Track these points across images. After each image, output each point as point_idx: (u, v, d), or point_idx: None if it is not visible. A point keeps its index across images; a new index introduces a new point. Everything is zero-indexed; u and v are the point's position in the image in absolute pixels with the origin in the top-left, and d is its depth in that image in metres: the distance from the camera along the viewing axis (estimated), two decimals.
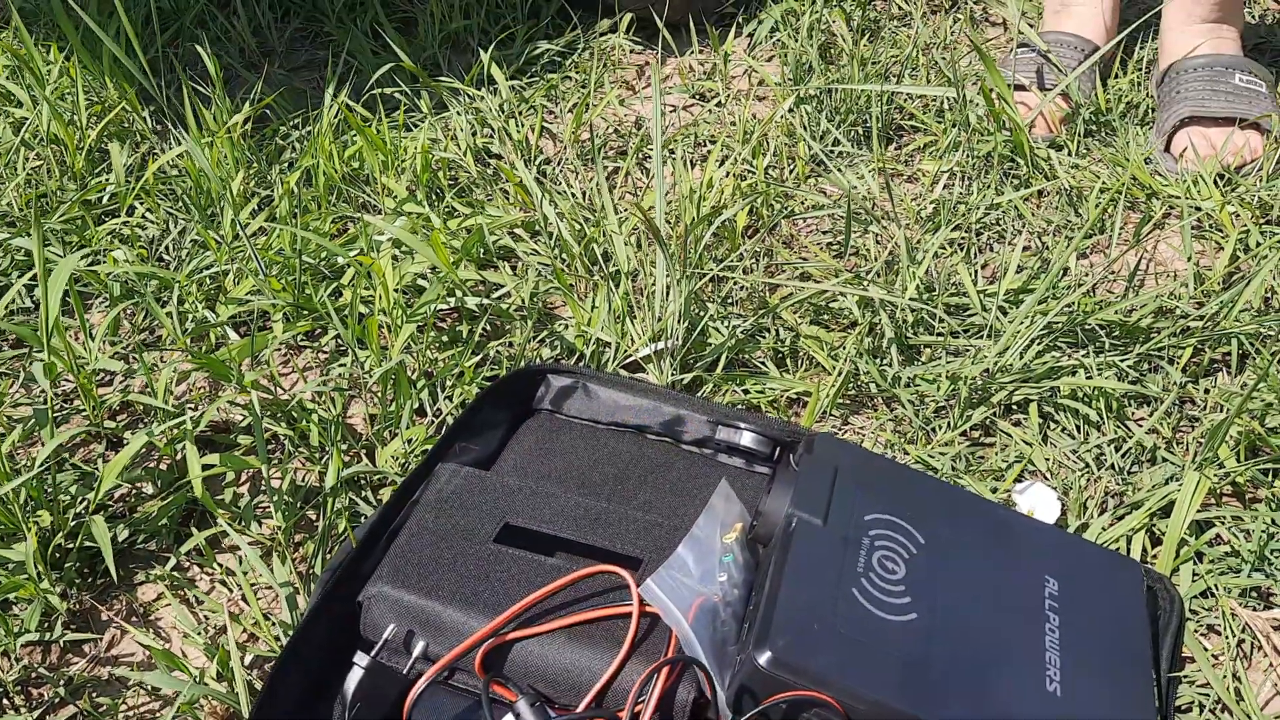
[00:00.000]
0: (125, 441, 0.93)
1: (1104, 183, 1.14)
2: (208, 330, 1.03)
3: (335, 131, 1.25)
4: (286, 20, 1.55)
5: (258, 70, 1.45)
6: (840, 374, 0.95)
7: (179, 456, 0.91)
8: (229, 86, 1.41)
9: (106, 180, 1.20)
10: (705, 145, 1.28)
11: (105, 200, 1.20)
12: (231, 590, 0.83)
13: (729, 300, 1.06)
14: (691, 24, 1.45)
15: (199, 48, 1.26)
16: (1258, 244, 1.04)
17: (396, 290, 0.99)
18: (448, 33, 1.48)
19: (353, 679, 0.66)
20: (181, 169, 1.21)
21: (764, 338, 1.02)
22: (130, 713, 0.76)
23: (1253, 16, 1.44)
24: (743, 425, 0.82)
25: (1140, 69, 1.33)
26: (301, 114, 1.33)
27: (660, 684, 0.64)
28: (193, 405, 0.97)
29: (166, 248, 1.14)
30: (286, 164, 1.24)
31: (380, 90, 1.34)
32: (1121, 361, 0.95)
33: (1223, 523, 0.82)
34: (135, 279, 1.06)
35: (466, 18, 1.49)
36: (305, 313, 1.02)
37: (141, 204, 1.18)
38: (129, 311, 1.07)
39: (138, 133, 1.28)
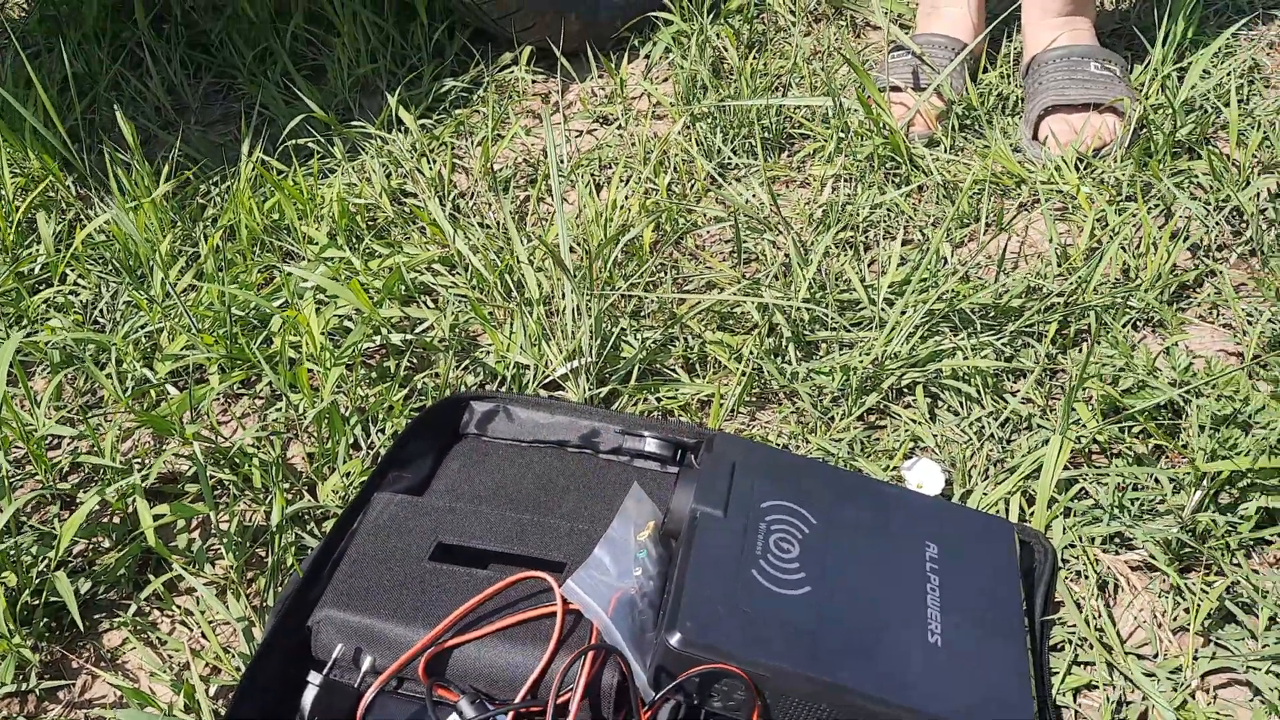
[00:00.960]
0: (79, 500, 0.98)
1: (975, 174, 1.24)
2: (147, 388, 1.08)
3: (254, 185, 1.31)
4: (198, 77, 1.61)
5: (174, 129, 1.50)
6: (744, 375, 1.03)
7: (130, 510, 0.96)
8: (147, 147, 1.46)
9: (36, 251, 1.25)
10: (610, 167, 1.36)
11: (37, 270, 1.25)
12: (191, 629, 0.89)
13: (640, 314, 1.14)
14: (589, 50, 1.53)
15: (116, 111, 1.31)
16: (1112, 222, 1.14)
17: (323, 334, 1.05)
18: (356, 78, 1.54)
19: (308, 696, 0.72)
20: (109, 234, 1.27)
21: (674, 347, 1.10)
22: None
23: (1109, 3, 1.54)
24: (646, 433, 0.90)
25: (1009, 62, 1.43)
26: (221, 170, 1.39)
27: (585, 672, 0.71)
28: (139, 460, 1.03)
29: (101, 311, 1.19)
30: (210, 221, 1.30)
31: (294, 140, 1.40)
32: (996, 340, 1.04)
33: (1086, 479, 0.91)
34: (73, 344, 1.11)
35: (374, 61, 1.56)
36: (239, 363, 1.08)
37: (72, 271, 1.23)
38: (70, 376, 1.12)
39: (62, 200, 1.33)
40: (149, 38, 1.61)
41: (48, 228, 1.23)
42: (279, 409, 1.05)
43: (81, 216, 1.31)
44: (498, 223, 1.26)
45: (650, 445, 0.89)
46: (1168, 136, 1.20)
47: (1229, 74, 1.30)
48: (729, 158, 1.33)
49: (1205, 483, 0.83)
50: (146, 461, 1.02)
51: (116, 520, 0.97)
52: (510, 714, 0.72)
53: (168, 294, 1.15)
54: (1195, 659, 0.79)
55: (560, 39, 1.50)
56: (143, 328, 1.14)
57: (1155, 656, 0.80)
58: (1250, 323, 1.03)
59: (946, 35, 1.41)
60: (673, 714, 0.73)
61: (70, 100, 1.49)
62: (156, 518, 0.91)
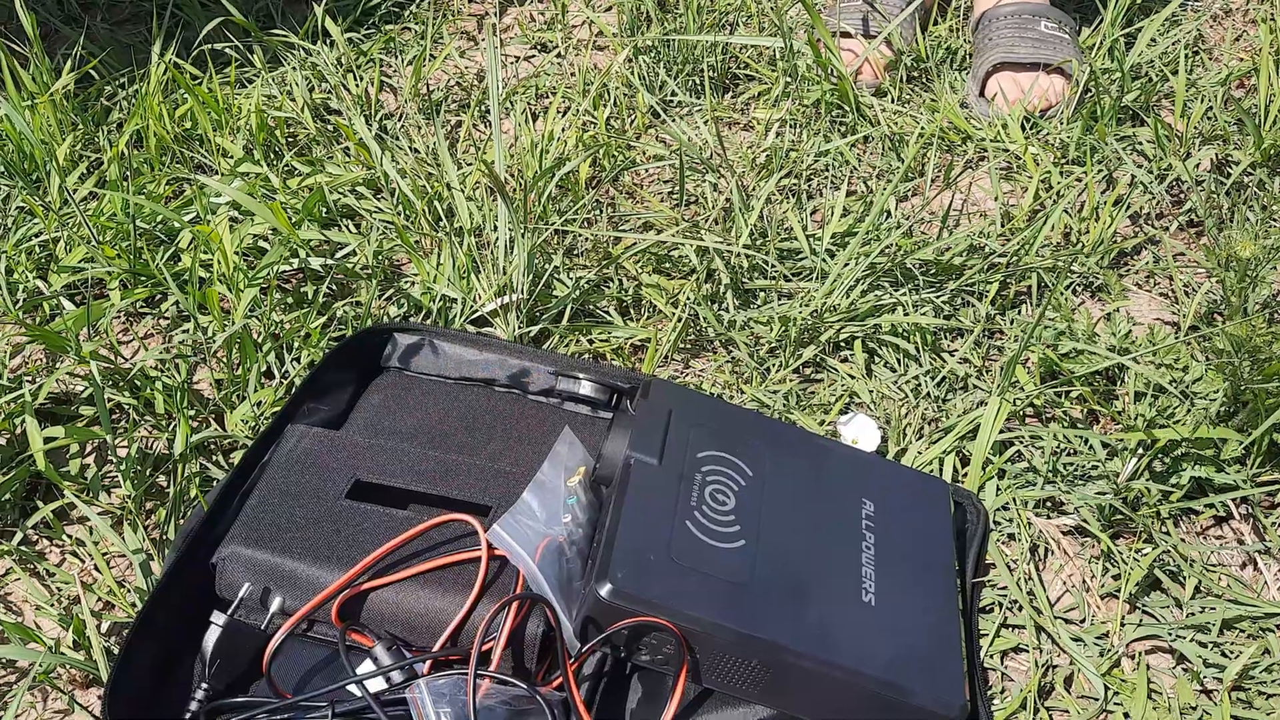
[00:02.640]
0: None
1: (922, 128, 1.21)
2: (40, 301, 1.00)
3: (165, 90, 1.22)
4: None
5: (78, 25, 1.39)
6: (680, 320, 1.00)
7: (19, 431, 0.89)
8: (48, 43, 1.35)
9: None
10: (547, 97, 1.30)
11: None
12: (83, 560, 0.83)
13: (573, 252, 1.09)
14: None
15: (15, 3, 1.20)
16: (1057, 184, 1.13)
17: (236, 254, 0.99)
18: None
19: (211, 637, 0.68)
20: (1, 134, 1.17)
21: (608, 288, 1.05)
22: None
23: None
24: (581, 375, 0.86)
25: (959, 16, 1.41)
26: (128, 72, 1.29)
27: (509, 621, 0.68)
28: (30, 378, 0.95)
29: None
30: (115, 125, 1.21)
31: (210, 45, 1.31)
32: (937, 298, 1.02)
33: (1022, 442, 0.90)
34: None
35: None
36: (143, 279, 1.01)
37: None
38: None
39: None
40: None
41: None
42: (186, 331, 0.99)
43: None
44: (428, 147, 1.20)
45: (585, 388, 0.85)
46: (1114, 101, 1.19)
47: (1175, 43, 1.30)
48: (673, 93, 1.28)
49: (1141, 450, 0.82)
50: (38, 380, 0.95)
51: (2, 442, 0.90)
52: (428, 663, 0.68)
53: (65, 201, 1.06)
54: (1123, 625, 0.79)
55: None
56: (36, 236, 1.06)
57: (1083, 621, 0.80)
58: (1188, 292, 1.03)
59: None
60: (599, 666, 0.71)
61: None
62: (47, 440, 0.85)
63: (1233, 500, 0.85)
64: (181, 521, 0.84)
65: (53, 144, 1.11)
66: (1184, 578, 0.81)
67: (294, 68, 1.28)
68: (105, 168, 1.10)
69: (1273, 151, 1.14)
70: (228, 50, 1.32)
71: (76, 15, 1.41)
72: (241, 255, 1.02)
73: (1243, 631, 0.79)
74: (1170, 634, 0.78)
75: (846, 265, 1.03)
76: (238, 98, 1.22)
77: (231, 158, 1.14)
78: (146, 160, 1.14)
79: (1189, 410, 0.83)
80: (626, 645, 0.69)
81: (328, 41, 1.34)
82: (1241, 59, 1.31)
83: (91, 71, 1.28)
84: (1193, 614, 0.79)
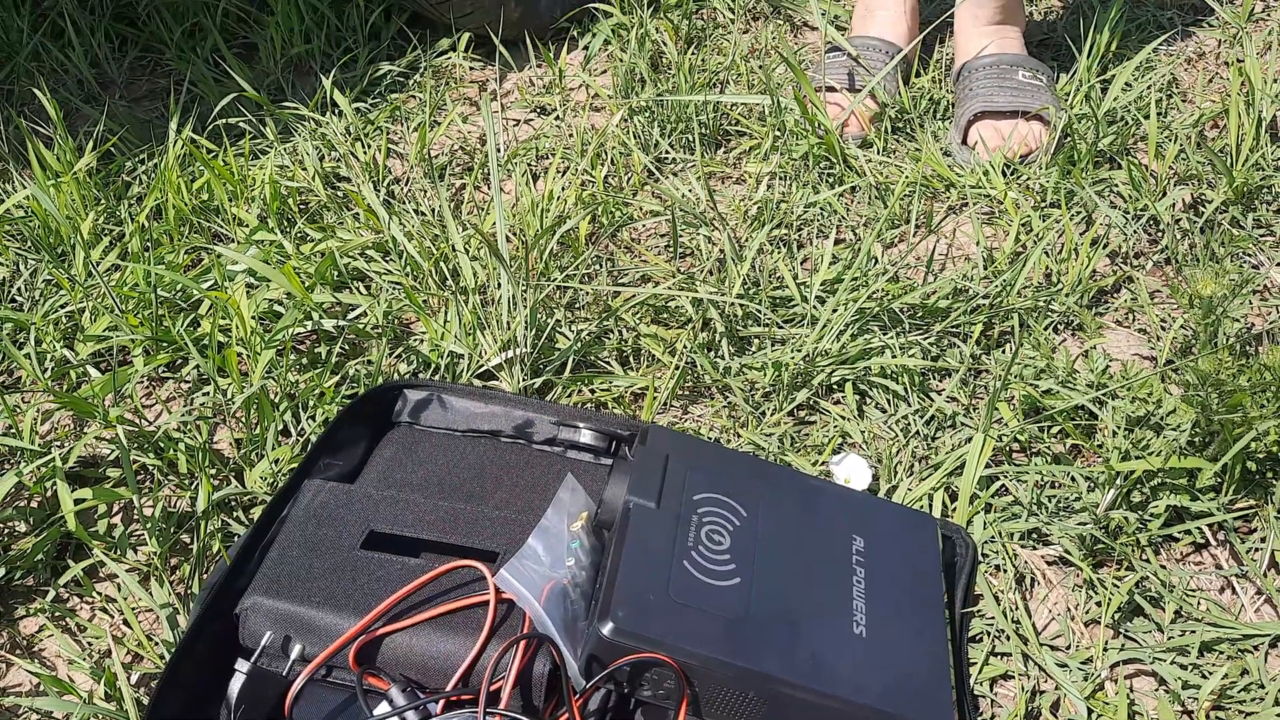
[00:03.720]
0: None
1: (908, 176, 1.26)
2: (68, 370, 1.05)
3: (182, 164, 1.28)
4: (124, 50, 1.56)
5: (98, 103, 1.46)
6: (677, 368, 1.04)
7: (50, 493, 0.94)
8: (69, 122, 1.42)
9: None
10: (547, 158, 1.36)
11: None
12: (113, 616, 0.88)
13: (575, 305, 1.14)
14: (528, 40, 1.53)
15: (35, 89, 1.27)
16: (1037, 227, 1.18)
17: (253, 318, 1.04)
18: (289, 57, 1.51)
19: (235, 684, 0.72)
20: (28, 210, 1.23)
21: (608, 339, 1.10)
22: None
23: (1038, 14, 1.59)
24: (581, 424, 0.91)
25: (940, 68, 1.47)
26: (147, 148, 1.35)
27: (517, 660, 0.72)
28: (59, 443, 1.00)
29: (19, 290, 1.16)
30: (135, 199, 1.27)
31: (225, 120, 1.37)
32: (923, 340, 1.07)
33: (1006, 476, 0.94)
34: None
35: (308, 41, 1.53)
36: (164, 345, 1.06)
37: None
38: None
39: None
40: (71, 8, 1.56)
41: None
42: (206, 393, 1.03)
43: None
44: (433, 210, 1.26)
45: (585, 436, 0.90)
46: (1090, 146, 1.23)
47: (1149, 87, 1.35)
48: (666, 151, 1.34)
49: (1119, 481, 0.86)
50: (66, 444, 1.00)
51: (34, 504, 0.95)
52: (441, 702, 0.72)
53: (90, 273, 1.12)
54: (1105, 650, 0.82)
55: (499, 27, 1.49)
56: (63, 307, 1.11)
57: (1068, 648, 0.83)
58: (1164, 328, 1.07)
59: (881, 39, 1.44)
60: (603, 702, 0.74)
61: None
62: (77, 502, 0.89)
63: (1209, 527, 0.88)
64: (205, 576, 0.88)
65: (77, 219, 1.17)
66: (1164, 603, 0.84)
67: (304, 138, 1.34)
68: (127, 240, 1.16)
69: (1245, 190, 1.19)
70: (241, 124, 1.38)
71: (95, 94, 1.48)
72: (258, 319, 1.07)
73: (1222, 653, 0.82)
74: (1151, 657, 0.81)
75: (836, 311, 1.07)
76: (252, 169, 1.28)
77: (247, 226, 1.20)
78: (166, 231, 1.19)
79: (1163, 441, 0.87)
80: (629, 681, 0.72)
81: (336, 112, 1.40)
82: (1213, 101, 1.36)
83: (112, 149, 1.34)
84: (1173, 637, 0.82)
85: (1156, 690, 0.81)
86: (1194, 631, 0.82)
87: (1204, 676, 0.80)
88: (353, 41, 1.54)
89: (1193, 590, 0.86)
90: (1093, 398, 0.92)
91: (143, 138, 1.38)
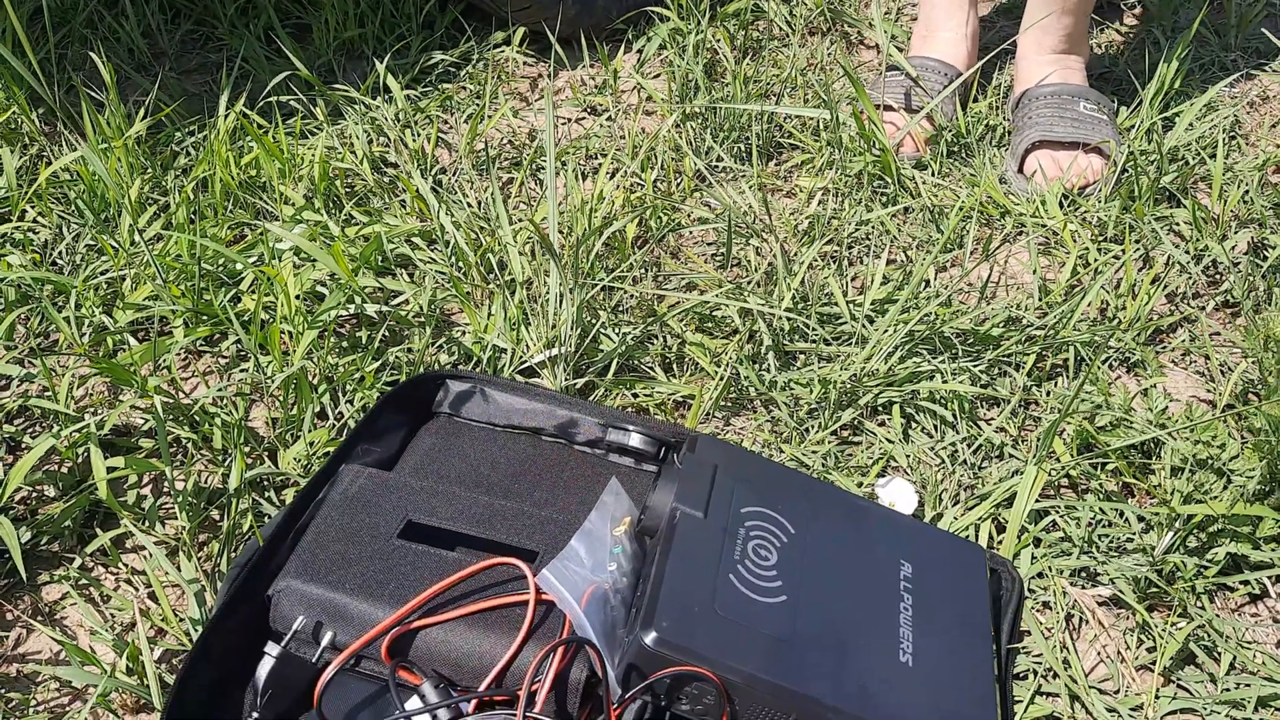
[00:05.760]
0: (24, 445, 0.94)
1: (962, 201, 1.24)
2: (106, 336, 1.04)
3: (231, 138, 1.27)
4: (177, 22, 1.56)
5: (148, 73, 1.45)
6: (722, 379, 1.02)
7: (82, 459, 0.92)
8: (120, 89, 1.41)
9: None
10: (596, 158, 1.34)
11: None
12: (138, 589, 0.86)
13: (619, 308, 1.12)
14: (583, 39, 1.51)
15: (91, 53, 1.26)
16: (1095, 260, 1.15)
17: (297, 297, 1.02)
18: (342, 40, 1.50)
19: (264, 668, 0.70)
20: (75, 174, 1.22)
21: (652, 344, 1.08)
22: (40, 708, 0.78)
23: (1099, 47, 1.57)
24: (631, 427, 0.89)
25: (998, 94, 1.45)
26: (197, 120, 1.34)
27: (555, 664, 0.70)
28: (93, 410, 0.99)
29: (60, 253, 1.15)
30: (182, 170, 1.26)
31: (275, 98, 1.36)
32: (974, 366, 1.04)
33: (1057, 511, 0.92)
34: (31, 284, 1.06)
35: (361, 26, 1.52)
36: (205, 318, 1.04)
37: (33, 208, 1.18)
38: (24, 317, 1.08)
39: (27, 135, 1.28)
40: None
41: (11, 160, 1.18)
42: (244, 369, 1.02)
43: (47, 153, 1.26)
44: (481, 202, 1.24)
45: (635, 440, 0.87)
46: (1152, 182, 1.21)
47: (1212, 127, 1.33)
48: (719, 159, 1.32)
49: (1178, 525, 0.83)
50: (100, 412, 0.98)
51: (64, 470, 0.93)
52: (474, 702, 0.70)
53: (134, 240, 1.10)
54: (1157, 698, 0.79)
55: (556, 24, 1.48)
56: (104, 273, 1.10)
57: (1118, 693, 0.81)
58: (1223, 372, 1.04)
59: (940, 60, 1.42)
60: (639, 714, 0.72)
61: (43, 30, 1.43)
62: (109, 470, 0.87)
63: (1269, 578, 0.86)
64: (233, 554, 0.86)
65: (125, 186, 1.15)
66: (1218, 653, 0.82)
67: (355, 121, 1.32)
68: (173, 210, 1.15)
69: None
70: (292, 103, 1.37)
71: (147, 64, 1.47)
72: (301, 299, 1.05)
73: (1277, 710, 0.79)
74: (1206, 709, 0.79)
75: (886, 332, 1.05)
76: (301, 148, 1.27)
77: (293, 205, 1.18)
78: (211, 205, 1.18)
79: (1226, 487, 0.84)
80: (668, 694, 0.70)
81: (387, 97, 1.39)
82: (1278, 146, 1.33)
83: (162, 119, 1.33)
84: (1227, 690, 0.80)
85: None
86: (1249, 685, 0.79)
87: None
88: (406, 29, 1.53)
89: (1249, 642, 0.83)
90: (1154, 436, 0.89)
91: (193, 110, 1.37)
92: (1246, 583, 0.86)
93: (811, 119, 1.39)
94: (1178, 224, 1.20)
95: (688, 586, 0.72)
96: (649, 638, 0.69)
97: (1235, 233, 1.19)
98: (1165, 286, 1.12)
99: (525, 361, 1.03)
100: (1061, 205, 1.24)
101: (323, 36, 1.49)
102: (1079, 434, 0.96)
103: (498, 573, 0.76)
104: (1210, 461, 0.86)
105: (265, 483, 0.93)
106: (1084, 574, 0.88)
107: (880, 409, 1.03)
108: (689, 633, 0.70)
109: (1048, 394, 1.03)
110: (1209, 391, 1.03)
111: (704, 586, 0.73)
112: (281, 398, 0.97)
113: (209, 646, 0.72)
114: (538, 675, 0.69)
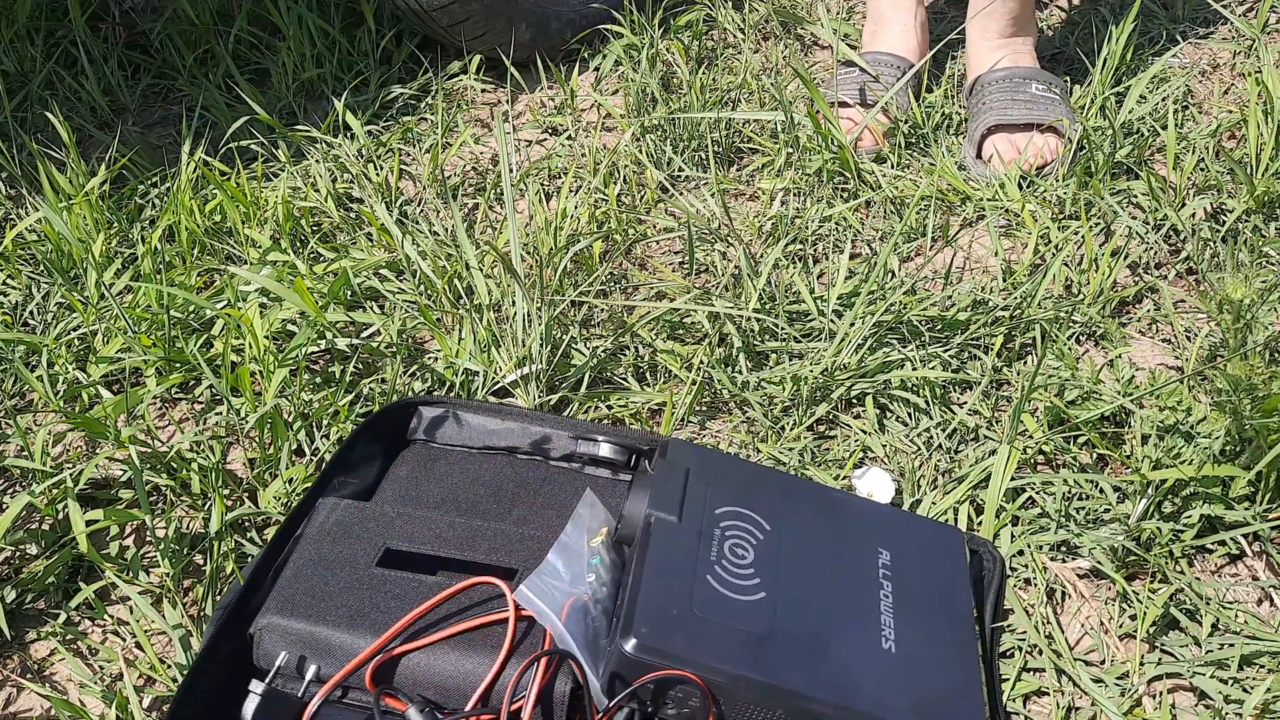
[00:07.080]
0: (3, 505, 0.94)
1: (923, 190, 1.25)
2: (80, 391, 1.04)
3: (195, 187, 1.28)
4: (137, 77, 1.57)
5: (111, 130, 1.46)
6: (695, 384, 1.03)
7: (61, 515, 0.93)
8: (83, 148, 1.42)
9: None
10: (559, 177, 1.35)
11: None
12: (125, 639, 0.86)
13: (590, 322, 1.13)
14: (539, 61, 1.52)
15: (48, 114, 1.27)
16: (1055, 238, 1.16)
17: (266, 337, 1.03)
18: (301, 81, 1.51)
19: (249, 705, 0.70)
20: (40, 234, 1.23)
21: (624, 355, 1.09)
22: None
23: (1049, 29, 1.58)
24: (600, 438, 0.89)
25: (953, 83, 1.46)
26: (160, 171, 1.35)
27: (538, 679, 0.70)
28: (70, 465, 0.99)
29: (31, 312, 1.15)
30: (148, 221, 1.27)
31: (237, 143, 1.37)
32: (944, 352, 1.05)
33: (1033, 488, 0.92)
34: (2, 345, 1.07)
35: (319, 66, 1.53)
36: (177, 366, 1.05)
37: (1, 271, 1.18)
38: None
39: None
40: (84, 36, 1.56)
41: None
42: (219, 413, 1.02)
43: (11, 217, 1.27)
44: (446, 229, 1.25)
45: (604, 450, 0.88)
46: (1107, 157, 1.22)
47: (1164, 99, 1.34)
48: (680, 168, 1.33)
49: (1151, 491, 0.84)
50: (78, 465, 0.98)
51: (45, 526, 0.93)
52: None
53: (102, 294, 1.11)
54: (1142, 665, 0.80)
55: (510, 49, 1.49)
56: (75, 329, 1.10)
57: (1103, 663, 0.81)
58: (1189, 337, 1.05)
59: (892, 54, 1.43)
60: None
61: (0, 98, 1.44)
62: (89, 523, 0.88)
63: (1244, 537, 0.86)
64: (218, 597, 0.87)
65: (89, 241, 1.16)
66: (1200, 616, 0.82)
67: (317, 160, 1.33)
68: (140, 262, 1.15)
69: (1266, 198, 1.17)
70: (253, 146, 1.38)
71: (109, 121, 1.49)
72: (271, 338, 1.06)
73: (1262, 666, 0.79)
74: (1190, 671, 0.79)
75: (854, 324, 1.06)
76: (264, 191, 1.28)
77: (260, 247, 1.19)
78: (179, 253, 1.19)
79: (1194, 450, 0.85)
80: (653, 700, 0.70)
81: (349, 134, 1.40)
82: (1230, 111, 1.34)
83: (124, 172, 1.34)
84: (1211, 651, 0.80)
85: (1196, 705, 0.78)
86: (1233, 645, 0.80)
87: (1245, 691, 0.77)
88: (364, 65, 1.54)
89: (1229, 602, 0.84)
90: (1120, 405, 0.90)
91: (155, 162, 1.38)
92: (1223, 543, 0.86)
93: (769, 122, 1.40)
94: (1136, 196, 1.21)
95: (665, 591, 0.73)
96: (629, 644, 0.69)
97: (1193, 199, 1.20)
98: (1126, 258, 1.12)
99: (498, 382, 1.04)
100: (1020, 187, 1.25)
101: (281, 79, 1.51)
102: (1049, 410, 0.96)
103: (478, 592, 0.76)
104: (1178, 426, 0.86)
105: (247, 523, 0.94)
106: (1063, 548, 0.88)
107: (854, 401, 1.03)
108: (669, 636, 0.70)
109: (1018, 374, 1.04)
110: (1176, 358, 1.04)
111: (682, 589, 0.73)
112: (257, 438, 0.98)
113: (193, 688, 0.72)
114: (518, 692, 0.69)
